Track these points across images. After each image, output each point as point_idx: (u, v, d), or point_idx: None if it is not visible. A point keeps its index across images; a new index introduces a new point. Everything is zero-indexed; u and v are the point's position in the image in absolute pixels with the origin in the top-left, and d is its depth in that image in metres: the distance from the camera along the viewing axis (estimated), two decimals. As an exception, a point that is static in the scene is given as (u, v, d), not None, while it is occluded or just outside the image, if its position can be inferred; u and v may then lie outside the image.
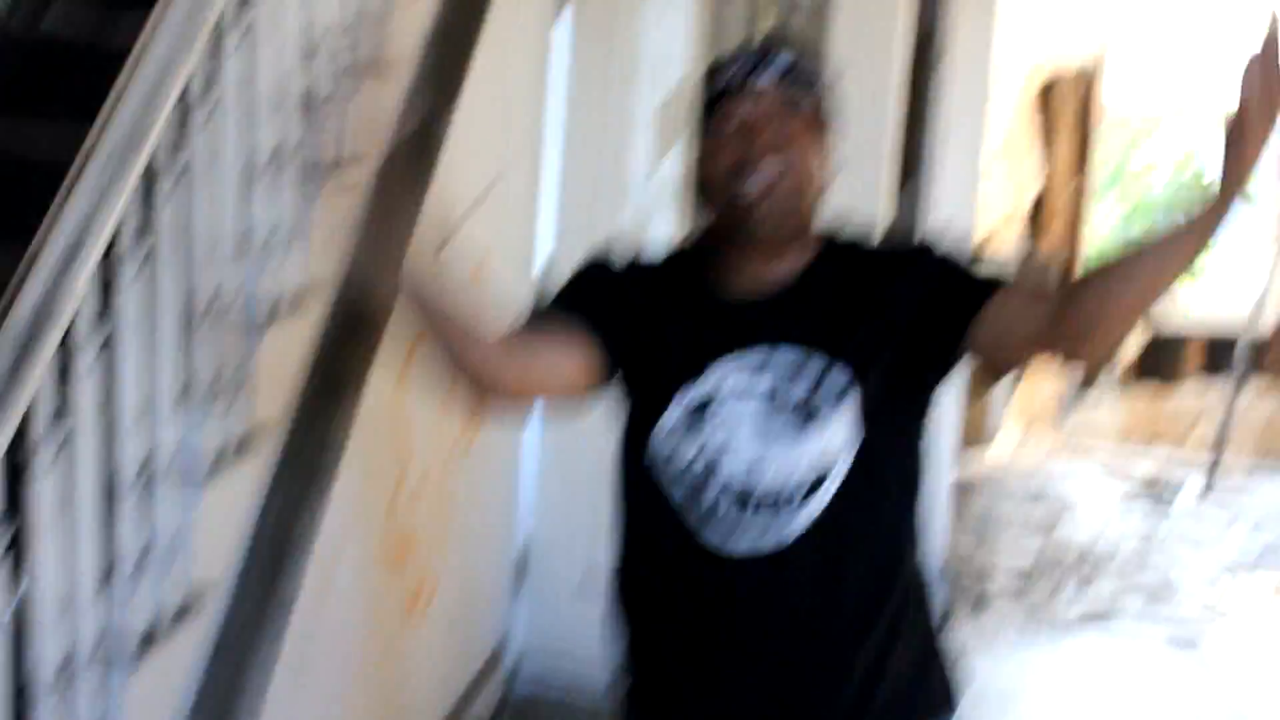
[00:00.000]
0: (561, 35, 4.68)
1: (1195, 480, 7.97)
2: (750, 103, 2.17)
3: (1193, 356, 8.82)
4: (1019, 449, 8.55)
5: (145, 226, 2.42)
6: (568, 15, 4.72)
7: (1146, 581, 6.43)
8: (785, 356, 2.17)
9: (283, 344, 2.96)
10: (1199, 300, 10.39)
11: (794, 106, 2.17)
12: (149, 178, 2.41)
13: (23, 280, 2.18)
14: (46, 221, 2.24)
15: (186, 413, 2.62)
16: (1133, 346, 8.80)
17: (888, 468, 2.21)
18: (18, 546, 2.17)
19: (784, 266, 2.23)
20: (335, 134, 3.11)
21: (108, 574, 2.41)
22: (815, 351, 2.16)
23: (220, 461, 2.74)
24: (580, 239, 4.76)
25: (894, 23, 4.63)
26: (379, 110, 3.27)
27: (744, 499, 2.15)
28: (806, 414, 2.14)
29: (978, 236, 6.11)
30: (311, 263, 3.03)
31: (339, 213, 3.06)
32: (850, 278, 2.22)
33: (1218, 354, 8.64)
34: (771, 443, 2.14)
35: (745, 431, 2.15)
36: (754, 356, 2.18)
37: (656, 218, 5.12)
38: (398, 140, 2.21)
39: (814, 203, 2.21)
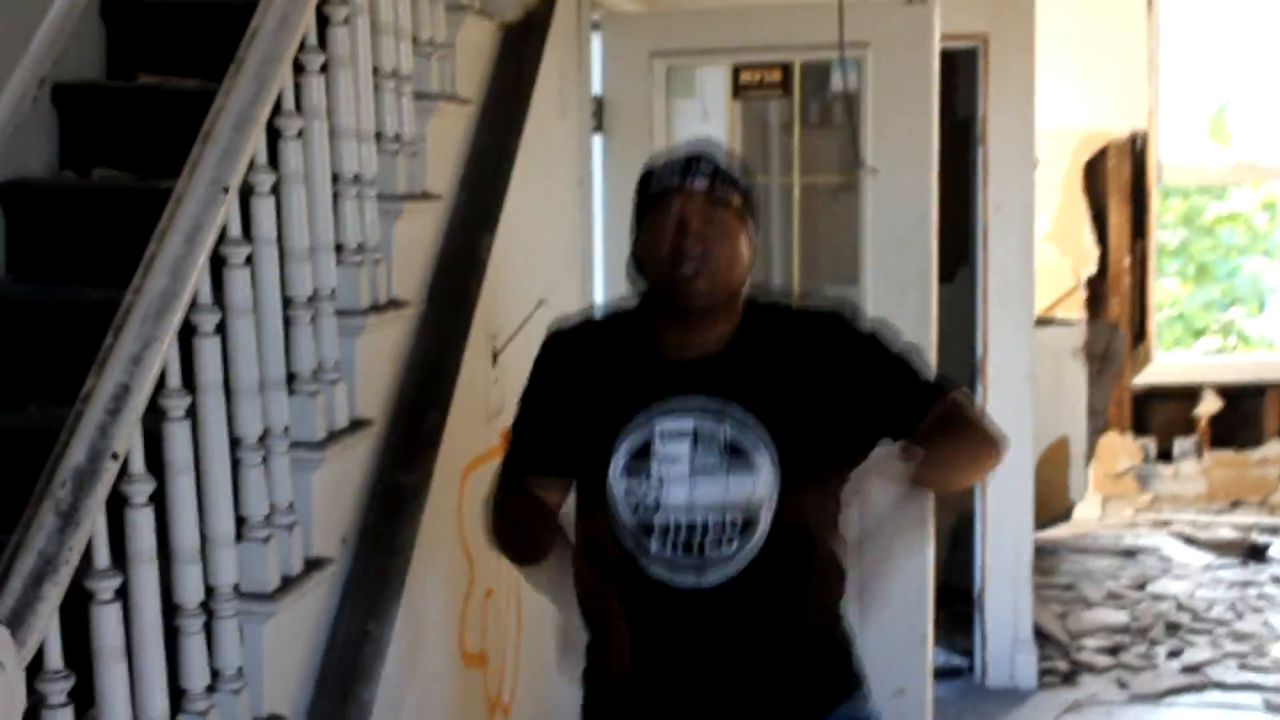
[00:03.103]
0: (596, 150, 4.80)
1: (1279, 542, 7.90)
2: (685, 200, 2.56)
3: (1272, 411, 8.73)
4: (1102, 519, 8.50)
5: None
6: (601, 132, 4.85)
7: (1239, 646, 6.35)
8: (709, 405, 2.55)
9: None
10: (1272, 348, 10.27)
11: (720, 203, 2.57)
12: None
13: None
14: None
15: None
16: (1211, 410, 8.75)
17: (810, 517, 2.58)
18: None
19: (713, 332, 2.61)
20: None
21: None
22: (734, 404, 2.55)
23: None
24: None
25: (927, 113, 4.68)
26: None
27: (688, 535, 2.53)
28: (730, 457, 2.54)
29: (1035, 315, 6.13)
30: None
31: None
32: (773, 340, 2.63)
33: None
34: (702, 481, 2.53)
35: (680, 470, 2.54)
36: (683, 405, 2.56)
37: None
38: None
39: (738, 280, 2.61)
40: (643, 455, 2.56)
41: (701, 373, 2.60)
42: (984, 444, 2.67)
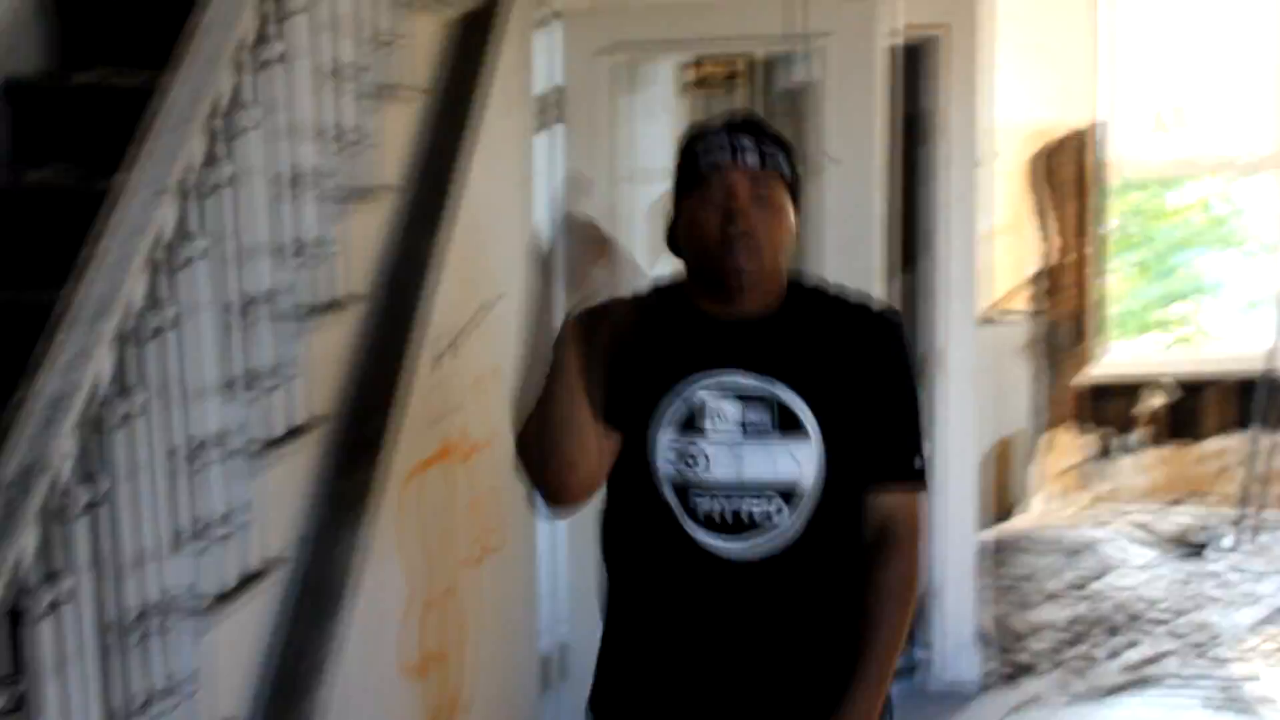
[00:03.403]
0: (545, 145, 4.74)
1: (1226, 535, 7.93)
2: (735, 176, 2.46)
3: (1215, 406, 8.78)
4: (1048, 515, 8.52)
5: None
6: (551, 128, 4.79)
7: (1185, 641, 6.37)
8: (755, 381, 2.49)
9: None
10: (1216, 343, 10.31)
11: (770, 175, 2.48)
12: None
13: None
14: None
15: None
16: (1155, 405, 8.78)
17: (851, 496, 2.54)
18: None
19: (757, 301, 2.53)
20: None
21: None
22: (779, 380, 2.49)
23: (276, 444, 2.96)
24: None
25: (876, 109, 4.65)
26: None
27: (737, 499, 2.47)
28: (774, 432, 2.48)
29: (986, 309, 6.12)
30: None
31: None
32: (821, 317, 2.58)
33: (1240, 401, 8.60)
34: (752, 444, 2.48)
35: (730, 428, 2.48)
36: (730, 377, 2.50)
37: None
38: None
39: (786, 254, 2.54)
40: (689, 412, 2.49)
41: (750, 334, 2.53)
42: (905, 600, 2.56)
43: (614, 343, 2.50)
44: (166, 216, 2.58)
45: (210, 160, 2.75)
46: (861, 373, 2.54)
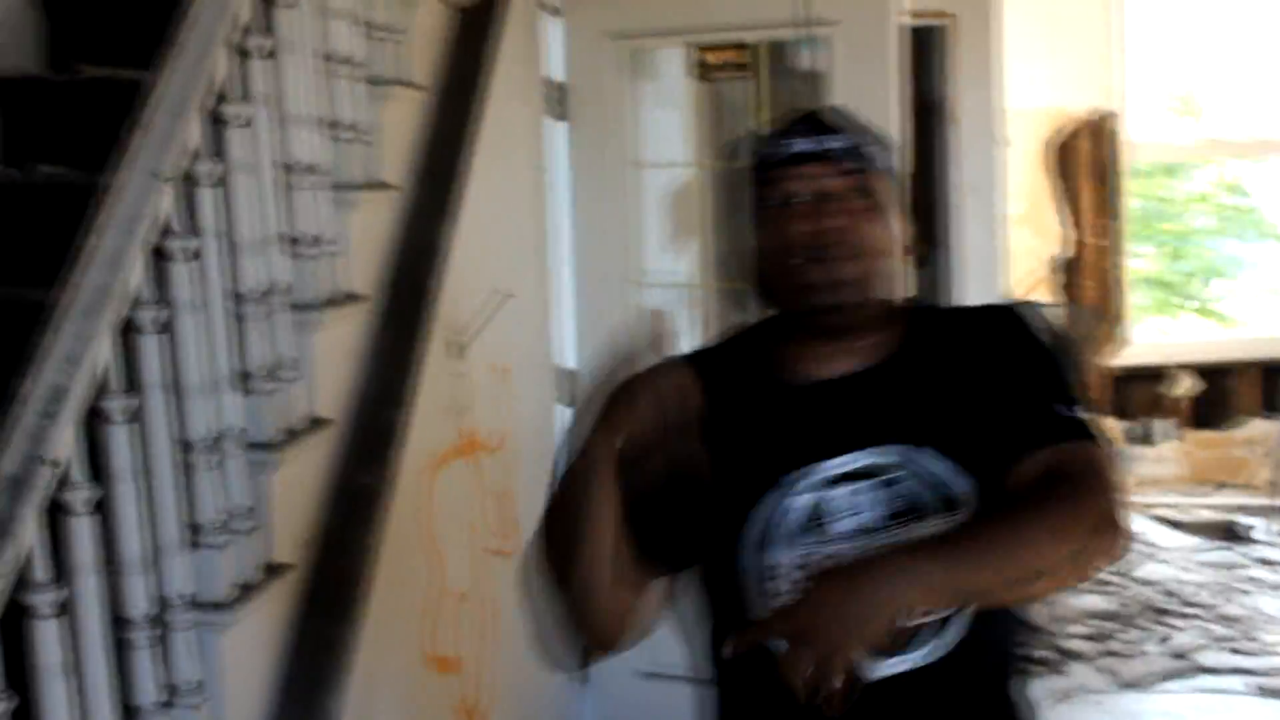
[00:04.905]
0: (558, 137, 4.66)
1: (1263, 523, 7.81)
2: (815, 172, 1.89)
3: (1244, 391, 8.66)
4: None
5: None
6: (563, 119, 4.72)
7: (1226, 630, 6.27)
8: (888, 458, 1.85)
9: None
10: (1241, 328, 10.20)
11: (850, 170, 1.90)
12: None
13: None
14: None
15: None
16: (1183, 391, 8.67)
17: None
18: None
19: (869, 350, 1.94)
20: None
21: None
22: (921, 448, 1.85)
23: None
24: (602, 336, 4.71)
25: (890, 95, 4.55)
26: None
27: None
28: (921, 521, 1.81)
29: (1010, 299, 6.03)
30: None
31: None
32: (945, 354, 1.93)
33: (1269, 386, 8.50)
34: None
35: (854, 546, 1.80)
36: (851, 458, 1.85)
37: (677, 310, 5.07)
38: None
39: (890, 280, 1.93)
40: (805, 518, 1.84)
41: (863, 409, 1.89)
42: (1079, 513, 1.79)
43: (667, 430, 1.79)
44: (164, 203, 2.50)
45: (211, 150, 2.68)
46: (989, 383, 1.88)
